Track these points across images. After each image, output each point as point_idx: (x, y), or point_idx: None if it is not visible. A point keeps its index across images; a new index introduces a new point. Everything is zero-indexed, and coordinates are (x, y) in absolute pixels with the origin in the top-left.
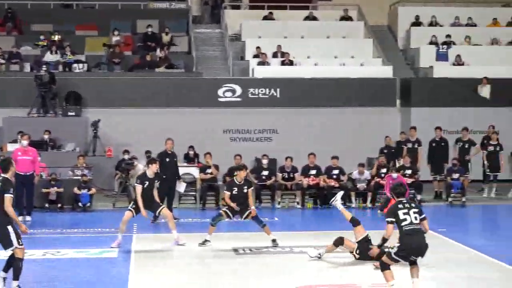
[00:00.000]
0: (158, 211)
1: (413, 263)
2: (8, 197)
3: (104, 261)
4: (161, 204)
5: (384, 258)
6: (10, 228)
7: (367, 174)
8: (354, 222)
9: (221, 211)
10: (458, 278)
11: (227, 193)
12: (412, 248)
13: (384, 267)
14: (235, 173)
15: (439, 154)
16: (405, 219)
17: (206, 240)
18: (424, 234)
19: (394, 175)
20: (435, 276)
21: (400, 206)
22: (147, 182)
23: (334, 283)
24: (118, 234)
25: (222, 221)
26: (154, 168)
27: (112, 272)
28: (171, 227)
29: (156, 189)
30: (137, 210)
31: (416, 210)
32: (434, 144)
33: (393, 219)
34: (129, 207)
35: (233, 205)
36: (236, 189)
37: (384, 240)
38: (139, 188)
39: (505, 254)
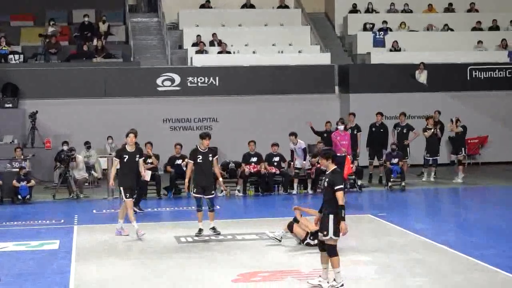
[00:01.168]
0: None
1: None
2: None
3: (45, 253)
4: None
5: (331, 241)
6: None
7: (302, 143)
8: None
9: (193, 195)
10: (398, 261)
11: (191, 162)
12: None
13: (334, 252)
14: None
15: (378, 139)
16: None
17: (201, 230)
18: None
19: (341, 127)
20: (374, 260)
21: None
22: (126, 156)
23: (276, 269)
24: (133, 223)
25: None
26: (131, 140)
27: (53, 264)
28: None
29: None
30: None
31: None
32: (373, 129)
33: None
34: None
35: (186, 181)
36: (200, 157)
37: (342, 208)
38: (116, 161)
39: (443, 237)
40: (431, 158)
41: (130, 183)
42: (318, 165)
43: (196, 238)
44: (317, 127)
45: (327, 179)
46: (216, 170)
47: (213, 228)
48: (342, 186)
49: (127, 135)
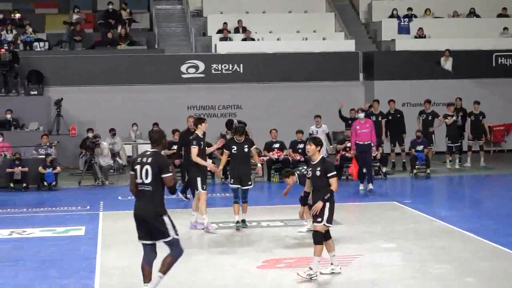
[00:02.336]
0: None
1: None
2: None
3: (70, 239)
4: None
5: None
6: None
7: (325, 127)
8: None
9: (230, 186)
10: (422, 248)
11: (226, 152)
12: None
13: (320, 240)
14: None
15: (395, 126)
16: None
17: (238, 222)
18: None
19: (361, 115)
20: (399, 246)
21: None
22: (202, 143)
23: (301, 256)
24: (205, 216)
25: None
26: (204, 127)
27: (79, 250)
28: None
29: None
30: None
31: None
32: (390, 117)
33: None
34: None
35: (211, 165)
36: (235, 147)
37: (331, 193)
38: (195, 149)
39: (468, 224)
40: (453, 145)
41: (205, 173)
42: (344, 152)
43: (220, 225)
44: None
45: (318, 168)
46: (256, 158)
47: (243, 221)
48: (335, 172)
49: (200, 123)
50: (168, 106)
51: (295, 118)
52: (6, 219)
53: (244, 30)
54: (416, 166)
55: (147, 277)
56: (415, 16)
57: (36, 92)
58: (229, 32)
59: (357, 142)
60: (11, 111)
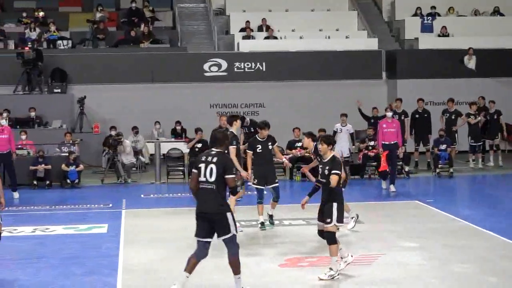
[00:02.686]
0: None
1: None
2: None
3: (93, 236)
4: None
5: (333, 228)
6: None
7: (350, 126)
8: None
9: (254, 186)
10: (444, 247)
11: (250, 152)
12: None
13: (334, 240)
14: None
15: (422, 126)
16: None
17: (262, 223)
18: None
19: (389, 114)
20: (422, 245)
21: None
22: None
23: (323, 255)
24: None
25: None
26: (238, 124)
27: (101, 248)
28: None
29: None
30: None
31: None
32: (417, 116)
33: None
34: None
35: (244, 173)
36: (260, 146)
37: (323, 183)
38: (234, 149)
39: (491, 224)
40: (476, 144)
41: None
42: (366, 151)
43: (242, 223)
44: (364, 112)
45: (327, 167)
46: (279, 156)
47: (271, 216)
48: (339, 172)
49: (235, 120)
50: (191, 104)
51: (317, 117)
52: (29, 217)
53: (268, 28)
54: (439, 165)
55: (190, 268)
56: (439, 15)
57: (59, 90)
58: (252, 30)
59: (383, 142)
60: (35, 109)
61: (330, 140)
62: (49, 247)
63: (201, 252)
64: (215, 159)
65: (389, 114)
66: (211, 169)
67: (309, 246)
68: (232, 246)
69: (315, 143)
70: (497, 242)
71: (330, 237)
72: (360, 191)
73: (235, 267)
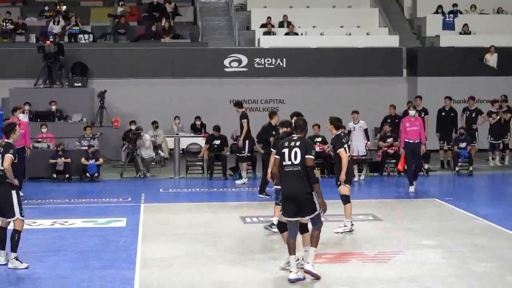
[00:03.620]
0: None
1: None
2: (9, 157)
3: (112, 230)
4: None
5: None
6: (14, 194)
7: (363, 123)
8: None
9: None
10: (463, 246)
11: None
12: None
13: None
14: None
15: (448, 124)
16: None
17: (273, 224)
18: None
19: (412, 112)
20: (440, 244)
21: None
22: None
23: (341, 251)
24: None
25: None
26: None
27: (120, 242)
28: None
29: None
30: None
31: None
32: (443, 114)
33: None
34: None
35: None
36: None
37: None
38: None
39: (510, 222)
40: (495, 142)
41: None
42: (386, 148)
43: (260, 219)
44: (384, 110)
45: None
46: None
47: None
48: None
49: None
50: (211, 99)
51: (337, 113)
52: (49, 210)
53: (289, 24)
54: (459, 164)
55: (292, 250)
56: (460, 12)
57: (80, 84)
58: (273, 26)
59: (406, 140)
60: (56, 102)
61: (333, 121)
62: (68, 240)
63: (293, 231)
64: (298, 143)
65: (412, 112)
66: (296, 152)
67: (327, 242)
68: (318, 222)
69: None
70: None
71: (345, 198)
72: (379, 188)
73: (316, 240)
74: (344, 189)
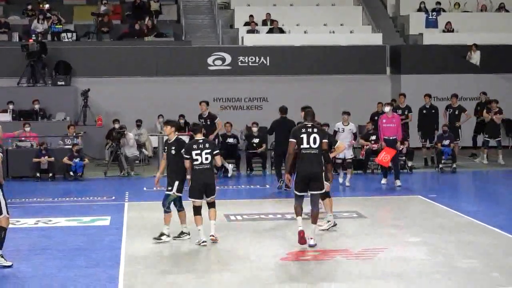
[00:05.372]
0: None
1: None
2: None
3: (96, 229)
4: None
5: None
6: (0, 192)
7: (352, 125)
8: None
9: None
10: (448, 243)
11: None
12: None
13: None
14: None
15: (429, 121)
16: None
17: (182, 233)
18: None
19: (387, 108)
20: (425, 241)
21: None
22: None
23: (325, 248)
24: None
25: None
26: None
27: (104, 240)
28: None
29: None
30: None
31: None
32: (424, 112)
33: None
34: None
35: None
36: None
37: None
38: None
39: (495, 219)
40: (489, 140)
41: None
42: (367, 145)
43: (245, 217)
44: (368, 107)
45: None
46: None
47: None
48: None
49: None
50: (195, 98)
51: (321, 111)
52: (33, 209)
53: (272, 22)
54: (442, 161)
55: (299, 213)
56: (443, 10)
57: (63, 83)
58: (256, 24)
59: (384, 137)
60: (39, 101)
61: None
62: (52, 239)
63: (300, 201)
64: (315, 130)
65: (387, 109)
66: (314, 137)
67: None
68: (317, 202)
69: None
70: (500, 237)
71: (325, 193)
72: (363, 186)
73: (316, 218)
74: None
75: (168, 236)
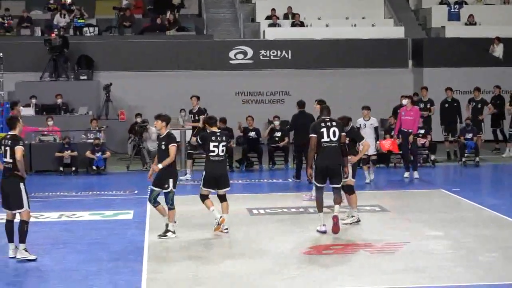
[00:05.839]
0: None
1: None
2: (19, 149)
3: (119, 223)
4: None
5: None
6: (22, 186)
7: (374, 120)
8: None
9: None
10: (470, 236)
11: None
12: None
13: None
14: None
15: (451, 115)
16: None
17: (168, 231)
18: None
19: (405, 101)
20: (447, 234)
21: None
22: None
23: (349, 242)
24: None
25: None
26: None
27: (127, 234)
28: None
29: None
30: None
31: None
32: (446, 105)
33: None
34: None
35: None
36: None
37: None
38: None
39: None
40: None
41: None
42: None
43: (267, 211)
44: (390, 101)
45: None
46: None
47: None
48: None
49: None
50: (216, 92)
51: (343, 105)
52: (56, 203)
53: (293, 16)
54: (465, 154)
55: (321, 207)
56: (466, 3)
57: (85, 77)
58: (278, 18)
59: (402, 129)
60: (61, 95)
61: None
62: (75, 233)
63: (321, 193)
64: (334, 123)
65: (405, 101)
66: (334, 131)
67: (334, 234)
68: (339, 192)
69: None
70: None
71: (350, 188)
72: (385, 179)
73: (340, 201)
74: (351, 179)
75: (174, 232)
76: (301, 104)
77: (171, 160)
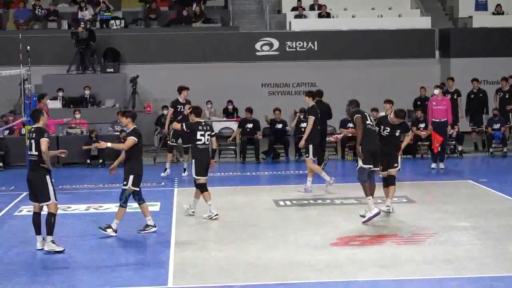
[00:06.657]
0: None
1: None
2: (45, 141)
3: None
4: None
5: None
6: (48, 178)
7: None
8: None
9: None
10: (498, 227)
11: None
12: None
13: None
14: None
15: (478, 106)
16: None
17: (147, 225)
18: None
19: (436, 91)
20: (475, 225)
21: None
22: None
23: (375, 233)
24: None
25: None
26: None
27: None
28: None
29: None
30: None
31: None
32: (472, 96)
33: None
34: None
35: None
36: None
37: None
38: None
39: None
40: None
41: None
42: (419, 131)
43: (294, 202)
44: (416, 92)
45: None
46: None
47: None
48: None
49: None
50: (243, 83)
51: (370, 96)
52: (83, 195)
53: (320, 7)
54: (493, 145)
55: (372, 191)
56: None
57: (112, 70)
58: (304, 9)
59: (433, 119)
60: (90, 87)
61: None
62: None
63: (371, 177)
64: (366, 112)
65: (436, 91)
66: (371, 118)
67: (361, 225)
68: (374, 177)
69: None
70: None
71: (392, 180)
72: (412, 170)
73: (373, 191)
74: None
75: (115, 231)
76: (319, 93)
77: (123, 147)
